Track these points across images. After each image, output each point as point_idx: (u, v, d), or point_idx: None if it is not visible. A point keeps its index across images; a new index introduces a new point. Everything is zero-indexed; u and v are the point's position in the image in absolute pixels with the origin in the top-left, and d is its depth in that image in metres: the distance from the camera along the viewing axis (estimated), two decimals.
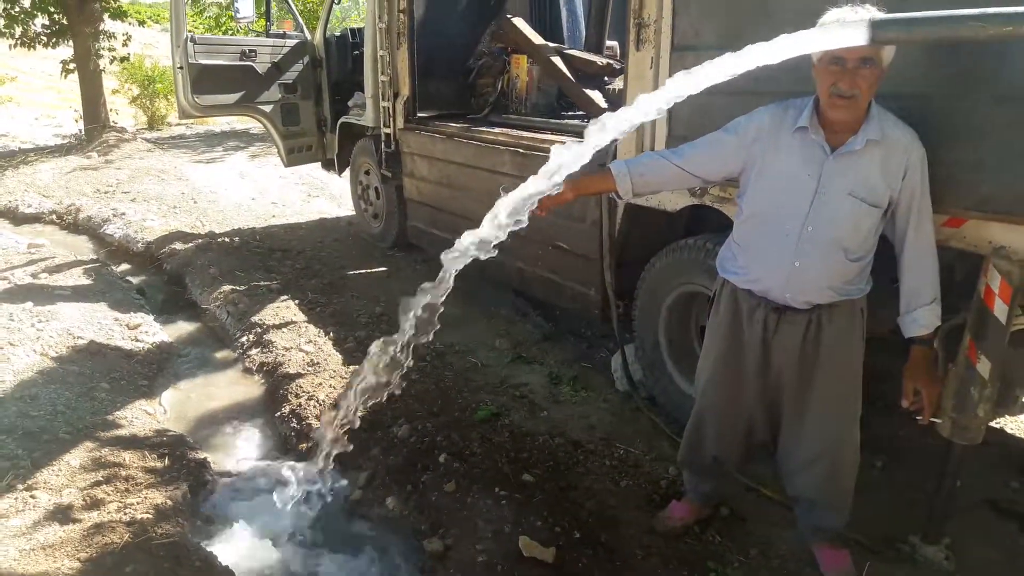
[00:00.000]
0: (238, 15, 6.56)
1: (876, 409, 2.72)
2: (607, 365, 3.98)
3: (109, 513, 2.67)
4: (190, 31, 6.54)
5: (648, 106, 1.85)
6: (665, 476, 3.09)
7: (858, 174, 2.06)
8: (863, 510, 2.66)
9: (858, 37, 1.67)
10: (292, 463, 3.17)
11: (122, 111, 15.58)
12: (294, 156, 6.90)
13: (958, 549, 2.60)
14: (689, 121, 2.90)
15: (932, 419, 2.30)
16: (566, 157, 1.95)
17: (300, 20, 6.91)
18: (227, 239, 6.64)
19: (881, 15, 1.75)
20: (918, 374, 2.24)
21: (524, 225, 2.09)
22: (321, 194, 8.93)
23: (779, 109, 2.19)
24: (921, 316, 2.18)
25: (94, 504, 2.74)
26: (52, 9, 12.39)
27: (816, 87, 2.07)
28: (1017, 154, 2.06)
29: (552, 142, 3.93)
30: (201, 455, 3.28)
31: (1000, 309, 2.26)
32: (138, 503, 2.76)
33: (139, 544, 2.47)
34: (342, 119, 6.45)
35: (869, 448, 3.12)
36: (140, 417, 3.55)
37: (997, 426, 3.46)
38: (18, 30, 12.48)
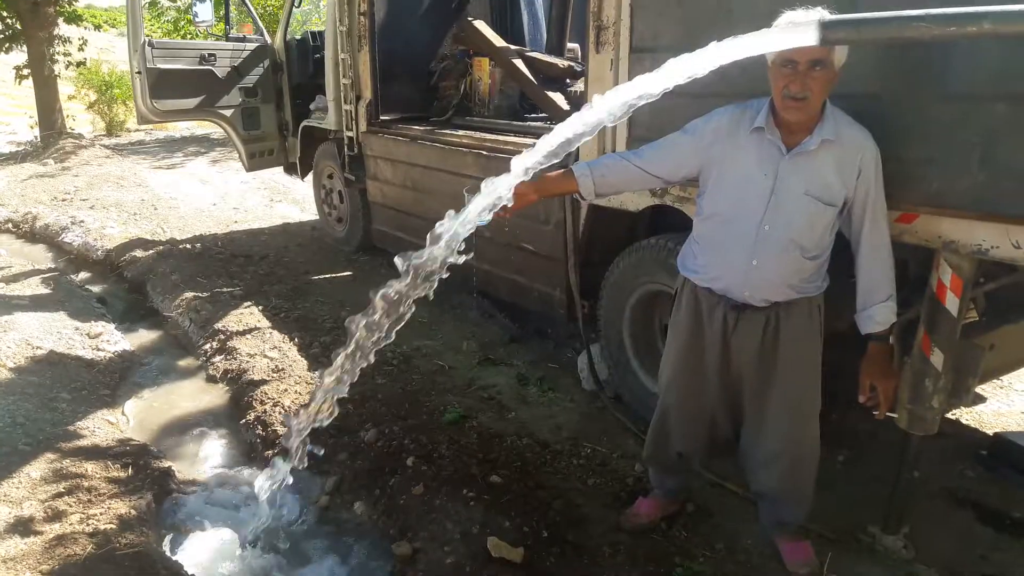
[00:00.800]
0: (197, 19, 6.49)
1: (838, 404, 2.78)
2: (574, 365, 4.01)
3: (71, 525, 2.63)
4: (148, 35, 6.45)
5: (597, 112, 1.86)
6: (632, 474, 3.12)
7: (813, 173, 2.11)
8: (825, 503, 2.72)
9: (808, 38, 1.70)
10: (258, 470, 3.14)
11: (79, 117, 15.28)
12: (256, 160, 6.84)
13: (916, 538, 2.66)
14: (649, 124, 2.93)
15: (888, 413, 2.35)
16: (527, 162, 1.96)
17: (260, 24, 6.84)
18: (188, 245, 6.56)
19: (831, 16, 1.80)
20: (874, 370, 2.29)
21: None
22: (284, 199, 8.86)
23: (737, 110, 2.23)
24: (877, 313, 2.22)
25: (56, 516, 2.69)
26: (5, 13, 12.12)
27: (771, 90, 2.11)
28: (963, 150, 2.12)
29: (515, 143, 3.99)
30: (165, 464, 3.24)
31: (951, 302, 2.33)
32: (101, 514, 2.72)
33: (103, 555, 2.44)
34: (304, 123, 6.41)
35: (832, 442, 3.20)
36: (102, 427, 3.49)
37: (953, 417, 3.55)
38: None
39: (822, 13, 1.90)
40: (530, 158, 1.95)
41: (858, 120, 2.17)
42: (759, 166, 2.15)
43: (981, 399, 3.70)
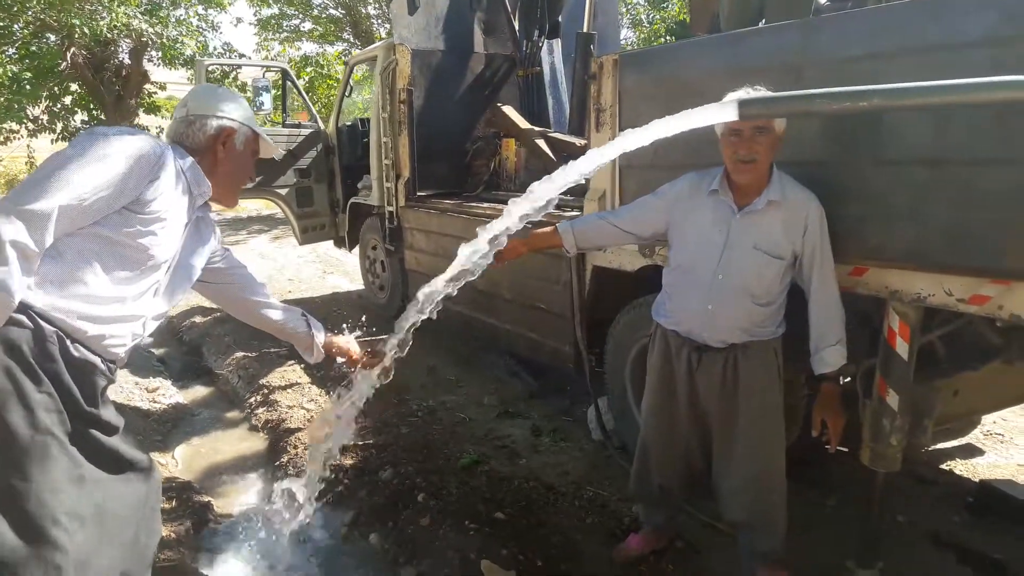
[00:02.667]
0: (261, 109, 7.20)
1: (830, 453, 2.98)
2: (586, 418, 4.26)
3: None
4: None
5: (571, 173, 2.23)
6: (629, 515, 3.33)
7: (761, 230, 2.41)
8: (812, 543, 2.93)
9: (730, 114, 2.03)
10: (286, 505, 3.46)
11: None
12: (308, 235, 7.41)
13: (893, 573, 2.81)
14: (638, 191, 3.28)
15: (839, 447, 2.57)
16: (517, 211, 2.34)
17: (314, 112, 7.51)
18: None
19: (756, 95, 2.14)
20: (826, 407, 2.53)
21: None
22: (336, 271, 9.42)
23: (697, 177, 2.57)
24: (827, 355, 2.47)
25: None
26: (92, 106, 13.32)
27: (722, 157, 2.44)
28: (895, 209, 2.39)
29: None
30: (205, 498, 3.59)
31: (902, 347, 2.57)
32: None
33: None
34: (352, 200, 6.97)
35: (822, 488, 3.38)
36: None
37: (947, 467, 3.68)
38: (59, 125, 13.41)
39: (761, 91, 2.26)
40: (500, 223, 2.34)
41: (807, 184, 2.47)
42: (714, 223, 2.47)
43: (979, 452, 3.82)
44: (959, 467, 3.69)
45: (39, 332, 1.75)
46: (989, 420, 4.06)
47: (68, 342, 1.81)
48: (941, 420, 2.82)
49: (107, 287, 1.85)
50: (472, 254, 2.40)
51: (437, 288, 2.50)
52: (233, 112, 2.19)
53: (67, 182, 1.72)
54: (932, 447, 3.77)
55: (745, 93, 2.27)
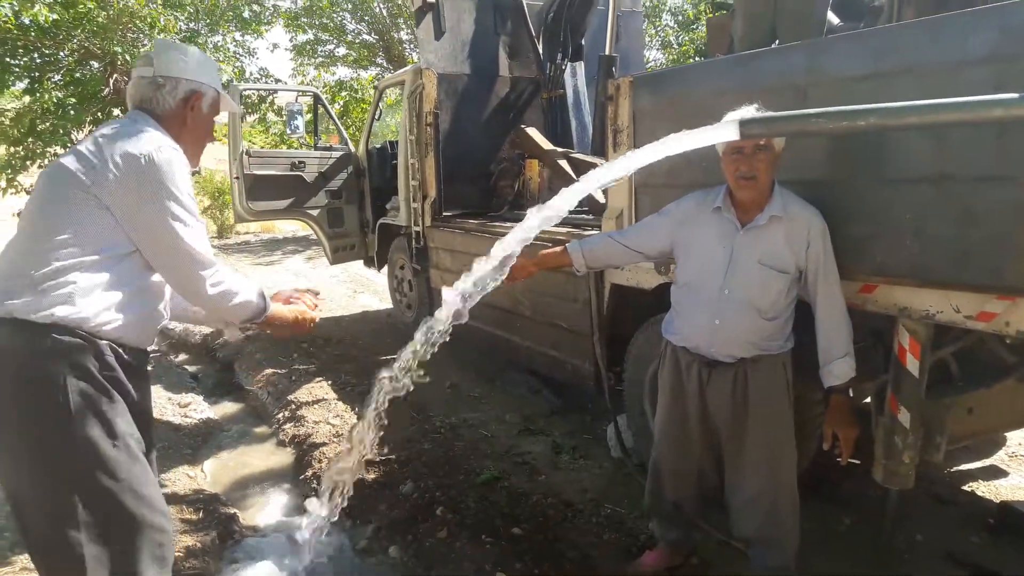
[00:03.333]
0: (293, 133, 7.41)
1: (852, 471, 2.98)
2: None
3: None
4: (249, 144, 7.37)
5: (572, 195, 2.30)
6: (646, 532, 3.34)
7: (764, 245, 2.45)
8: (826, 560, 2.93)
9: (731, 133, 2.09)
10: (310, 518, 3.54)
11: None
12: (339, 255, 7.57)
13: None
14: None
15: (851, 460, 2.57)
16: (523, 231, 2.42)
17: (345, 135, 7.69)
18: None
19: (755, 115, 2.19)
20: (836, 420, 2.54)
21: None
22: (366, 290, 9.57)
23: (702, 195, 2.62)
24: (835, 368, 2.49)
25: None
26: None
27: (725, 175, 2.49)
28: (900, 227, 2.42)
29: (551, 232, 4.44)
30: (231, 510, 3.69)
31: (912, 364, 2.58)
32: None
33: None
34: (381, 220, 7.11)
35: (838, 505, 3.38)
36: (182, 479, 3.99)
37: (968, 489, 3.64)
38: None
39: (763, 111, 2.31)
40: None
41: (813, 202, 2.51)
42: (719, 240, 2.51)
43: (1002, 473, 3.77)
44: (981, 488, 3.64)
45: (97, 348, 1.90)
46: (1014, 441, 4.00)
47: (121, 350, 1.96)
48: (956, 438, 2.80)
49: (133, 289, 1.99)
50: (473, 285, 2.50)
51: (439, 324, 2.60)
52: (202, 74, 2.17)
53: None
54: (954, 467, 3.75)
55: (747, 112, 2.32)
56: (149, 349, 2.14)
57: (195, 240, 2.00)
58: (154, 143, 1.97)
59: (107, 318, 1.91)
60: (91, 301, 1.88)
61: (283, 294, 2.42)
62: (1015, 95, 1.75)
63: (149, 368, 2.17)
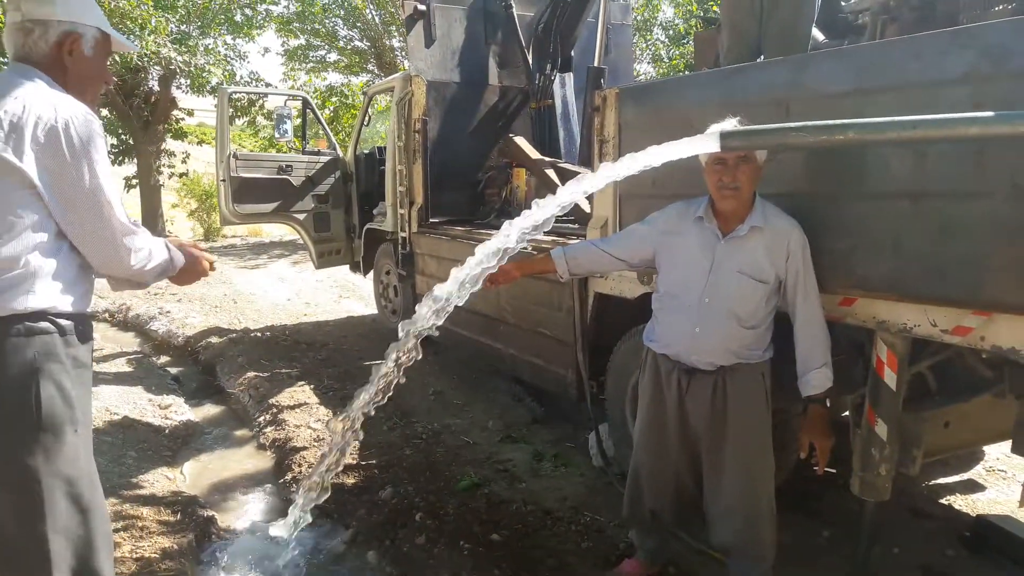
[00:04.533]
0: (283, 137, 7.42)
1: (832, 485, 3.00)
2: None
3: (123, 552, 3.05)
4: (237, 147, 7.37)
5: (558, 200, 2.32)
6: (624, 540, 3.34)
7: (745, 255, 2.48)
8: (804, 573, 2.95)
9: (712, 145, 2.12)
10: (287, 521, 3.53)
11: (181, 224, 16.76)
12: (324, 259, 7.56)
13: None
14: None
15: (827, 469, 2.60)
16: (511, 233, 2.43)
17: (333, 139, 7.70)
18: (259, 334, 7.20)
19: (734, 128, 2.22)
20: (813, 429, 2.57)
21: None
22: (352, 295, 9.56)
23: (684, 205, 2.65)
24: (813, 378, 2.52)
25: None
26: (121, 130, 13.69)
27: (707, 185, 2.52)
28: (879, 240, 2.45)
29: (537, 241, 4.46)
30: (209, 513, 3.65)
31: (890, 377, 2.60)
32: (148, 546, 3.15)
33: (145, 574, 2.85)
34: (368, 225, 7.11)
35: (818, 518, 3.40)
36: (160, 481, 3.96)
37: (946, 502, 3.67)
38: None
39: (744, 124, 2.34)
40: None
41: (794, 214, 2.54)
42: (700, 249, 2.54)
43: (980, 487, 3.81)
44: (958, 502, 3.68)
45: (61, 330, 1.87)
46: (992, 456, 4.04)
47: (79, 324, 1.94)
48: (932, 452, 2.83)
49: (75, 263, 1.95)
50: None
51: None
52: (75, 12, 1.96)
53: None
54: (932, 481, 3.78)
55: (729, 125, 2.35)
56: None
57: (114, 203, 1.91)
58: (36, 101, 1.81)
59: (66, 297, 1.88)
60: (48, 284, 1.85)
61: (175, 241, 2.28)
62: (991, 114, 1.79)
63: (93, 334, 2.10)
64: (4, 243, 1.79)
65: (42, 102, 1.81)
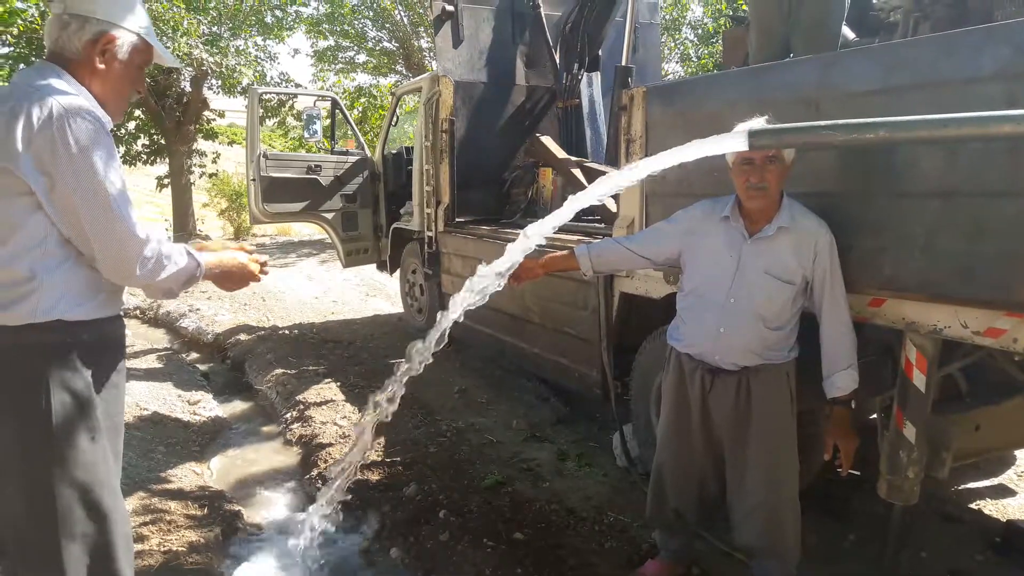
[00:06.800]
0: (313, 137, 7.49)
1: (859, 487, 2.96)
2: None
3: (150, 545, 3.12)
4: (267, 147, 7.45)
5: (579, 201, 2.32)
6: (648, 540, 3.33)
7: (771, 255, 2.46)
8: (830, 575, 2.89)
9: (740, 144, 2.10)
10: (313, 516, 3.56)
11: (211, 223, 16.98)
12: (352, 258, 7.62)
13: None
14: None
15: (851, 471, 2.56)
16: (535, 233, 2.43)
17: (361, 140, 7.75)
18: (287, 331, 7.28)
19: (764, 126, 2.20)
20: (837, 431, 2.54)
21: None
22: (379, 294, 9.62)
23: (710, 204, 2.63)
24: (839, 379, 2.49)
25: (138, 539, 3.17)
26: (153, 130, 13.90)
27: (734, 185, 2.50)
28: (909, 240, 2.41)
29: (562, 239, 4.46)
30: (236, 507, 3.71)
31: (919, 379, 2.57)
32: (175, 540, 3.20)
33: (172, 567, 2.90)
34: (395, 225, 7.16)
35: (844, 521, 3.36)
36: (188, 475, 4.02)
37: (975, 507, 3.61)
38: (122, 149, 14.03)
39: (772, 122, 2.32)
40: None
41: (822, 214, 2.51)
42: (726, 249, 2.52)
43: (1010, 492, 3.74)
44: (988, 507, 3.61)
45: (76, 337, 1.84)
46: (1023, 460, 3.96)
47: (98, 328, 1.90)
48: (962, 455, 2.79)
49: (88, 269, 1.89)
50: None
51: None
52: (116, 14, 1.90)
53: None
54: (961, 485, 3.71)
55: (757, 124, 2.33)
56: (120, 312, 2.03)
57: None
58: (53, 105, 1.73)
59: (81, 304, 1.84)
60: (59, 292, 1.80)
61: (211, 245, 2.21)
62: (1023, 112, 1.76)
63: (126, 332, 2.06)
64: (8, 252, 1.76)
65: (45, 104, 1.73)
